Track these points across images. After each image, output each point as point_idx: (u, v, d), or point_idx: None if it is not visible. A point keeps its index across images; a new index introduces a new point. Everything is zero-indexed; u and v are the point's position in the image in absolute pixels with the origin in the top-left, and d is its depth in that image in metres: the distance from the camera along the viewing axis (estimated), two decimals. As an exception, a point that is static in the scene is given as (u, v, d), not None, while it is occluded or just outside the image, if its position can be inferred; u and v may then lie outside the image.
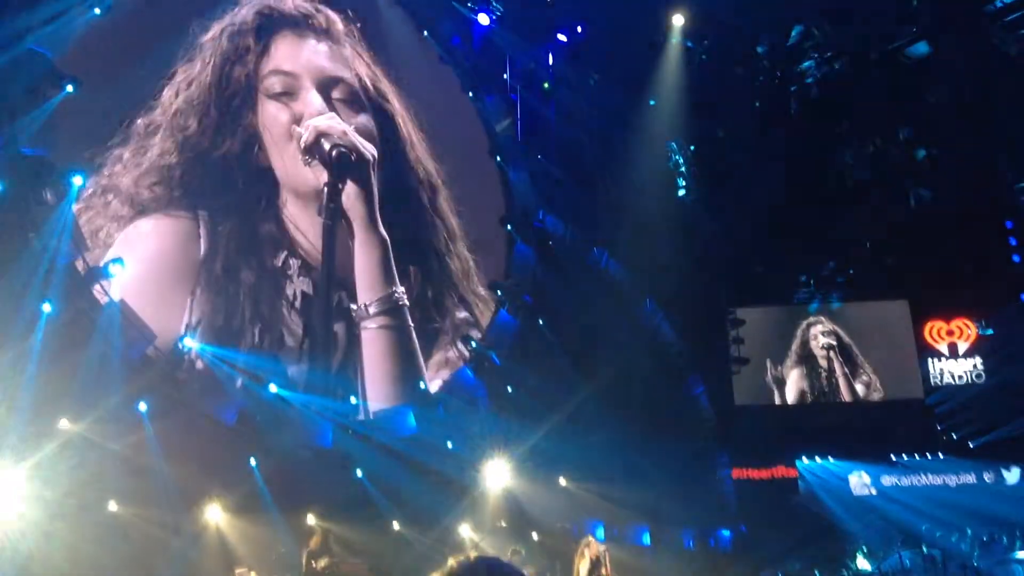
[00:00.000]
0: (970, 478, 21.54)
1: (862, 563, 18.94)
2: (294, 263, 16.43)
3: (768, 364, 23.23)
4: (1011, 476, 21.22)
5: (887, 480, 22.00)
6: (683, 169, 22.84)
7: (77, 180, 13.80)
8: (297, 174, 16.49)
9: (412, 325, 17.11)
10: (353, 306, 16.68)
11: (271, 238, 16.29)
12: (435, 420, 17.23)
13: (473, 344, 18.24)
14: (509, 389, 18.99)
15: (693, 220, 22.33)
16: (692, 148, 22.65)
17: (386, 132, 17.99)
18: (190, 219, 15.54)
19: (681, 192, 23.10)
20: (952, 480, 21.68)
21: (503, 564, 2.38)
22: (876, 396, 22.75)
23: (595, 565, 13.32)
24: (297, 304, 16.21)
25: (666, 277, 21.48)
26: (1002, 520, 19.04)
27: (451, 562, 2.37)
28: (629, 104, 21.51)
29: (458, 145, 19.33)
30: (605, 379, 18.75)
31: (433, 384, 17.58)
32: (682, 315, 22.16)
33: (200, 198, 15.65)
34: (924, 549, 18.73)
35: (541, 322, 19.85)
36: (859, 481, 22.06)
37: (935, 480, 21.84)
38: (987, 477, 21.43)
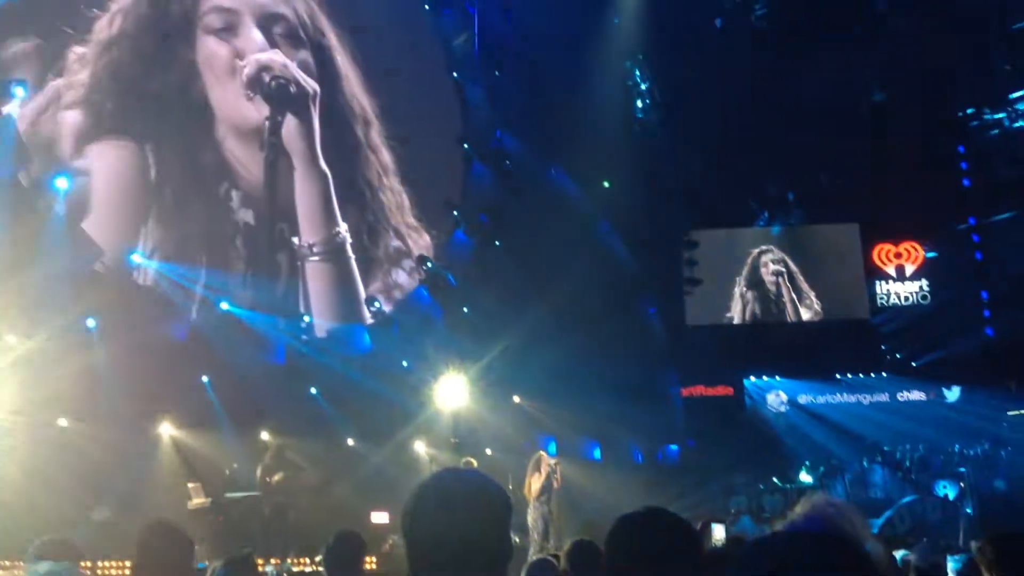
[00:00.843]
0: (912, 396, 22.09)
1: (805, 477, 19.42)
2: (236, 195, 16.27)
3: (720, 286, 23.42)
4: (951, 395, 21.79)
5: (832, 398, 22.48)
6: (642, 89, 22.61)
7: (19, 92, 13.41)
8: (238, 110, 16.38)
9: (353, 256, 17.12)
10: (295, 240, 16.61)
11: (213, 170, 16.15)
12: (390, 339, 17.29)
13: (429, 264, 18.21)
14: (465, 309, 19.05)
15: (650, 141, 22.19)
16: (651, 68, 22.38)
17: (325, 68, 17.75)
18: (137, 147, 15.30)
19: (639, 113, 22.91)
20: (895, 398, 22.22)
21: None
22: (819, 319, 23.14)
23: (547, 478, 13.64)
24: (241, 234, 16.09)
25: (622, 198, 21.42)
26: (941, 437, 19.60)
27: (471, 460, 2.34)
28: (589, 22, 21.14)
29: (413, 62, 18.96)
30: (560, 299, 18.79)
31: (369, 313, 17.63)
32: (637, 236, 22.17)
33: (142, 129, 15.42)
34: (864, 464, 19.26)
35: (497, 243, 19.79)
36: (776, 399, 22.58)
37: (879, 398, 22.37)
38: (928, 395, 21.96)
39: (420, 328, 17.90)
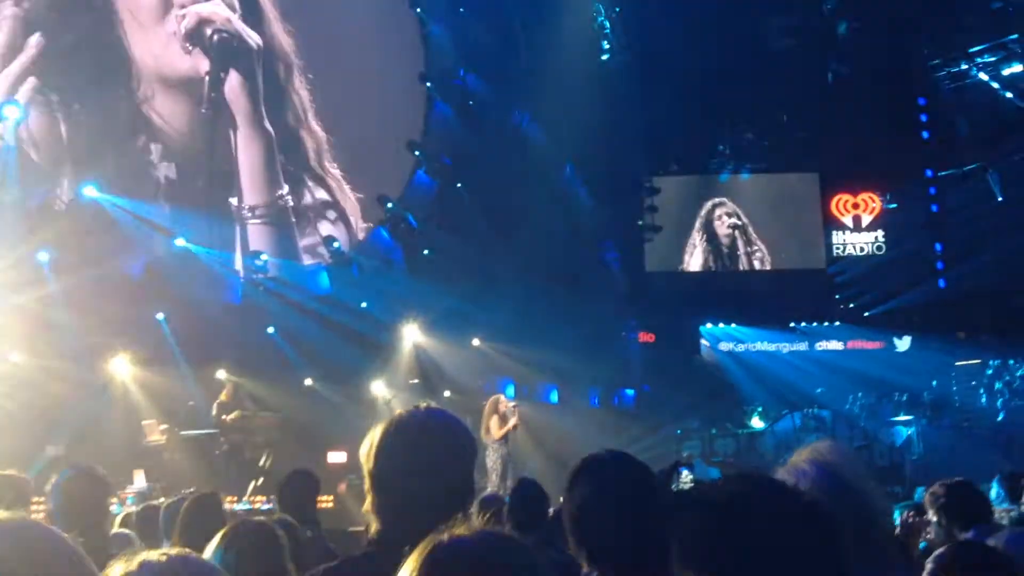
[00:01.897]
0: (863, 345, 22.46)
1: (756, 423, 19.73)
2: (155, 148, 15.75)
3: (679, 234, 23.53)
4: (902, 344, 22.20)
5: (786, 345, 22.82)
6: (607, 31, 22.35)
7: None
8: (166, 60, 15.68)
9: (294, 220, 16.83)
10: (233, 201, 16.23)
11: (127, 122, 15.51)
12: (349, 280, 17.18)
13: (389, 205, 18.03)
14: (426, 251, 18.96)
15: (615, 85, 22.01)
16: (617, 10, 22.10)
17: (244, 6, 17.06)
18: (44, 102, 14.68)
19: (604, 56, 22.67)
20: (847, 346, 22.58)
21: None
22: (772, 268, 23.40)
23: (504, 420, 13.72)
24: (162, 189, 15.68)
25: (586, 142, 21.32)
26: (890, 385, 20.02)
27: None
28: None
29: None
30: (522, 243, 18.79)
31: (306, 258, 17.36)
32: (599, 181, 22.12)
33: (51, 78, 14.73)
34: (815, 410, 19.61)
35: (460, 185, 19.63)
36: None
37: (831, 346, 22.73)
38: (879, 344, 22.34)
39: (380, 270, 17.80)
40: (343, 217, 18.43)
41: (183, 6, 15.79)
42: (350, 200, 18.53)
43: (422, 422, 2.23)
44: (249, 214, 16.58)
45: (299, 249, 17.53)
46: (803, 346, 22.66)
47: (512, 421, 13.72)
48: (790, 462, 2.30)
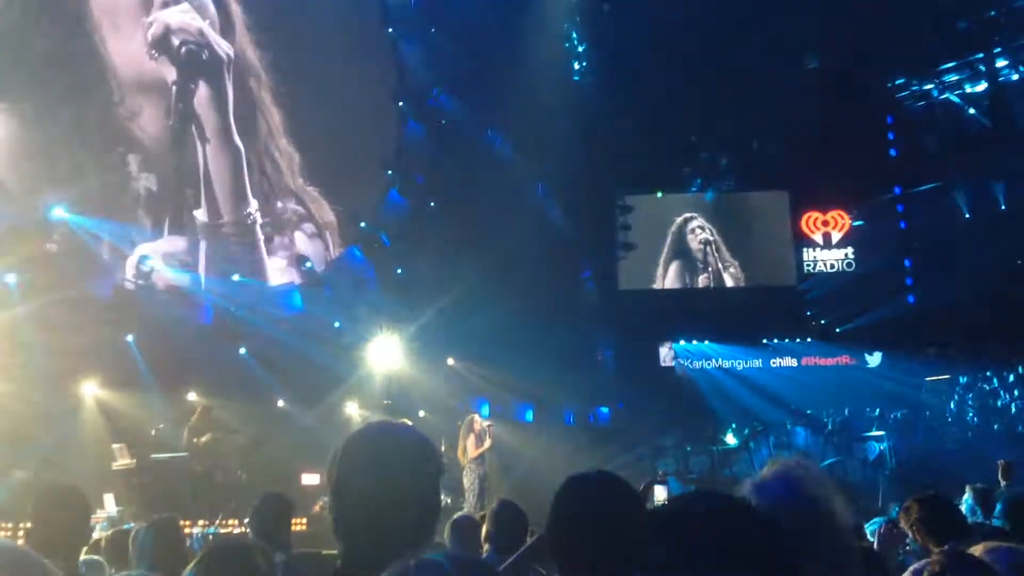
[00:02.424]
0: (835, 361, 22.60)
1: (730, 439, 19.80)
2: (133, 159, 15.57)
3: (652, 251, 23.62)
4: (873, 360, 22.34)
5: (758, 362, 22.89)
6: (579, 51, 22.50)
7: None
8: (141, 65, 15.43)
9: (262, 237, 16.70)
10: (200, 216, 16.03)
11: (105, 131, 15.28)
12: (321, 299, 17.08)
13: (363, 225, 17.97)
14: (399, 270, 18.91)
15: (587, 104, 22.15)
16: (588, 30, 22.27)
17: (220, 16, 16.96)
18: (17, 111, 14.46)
19: (576, 76, 22.82)
20: (819, 362, 22.70)
21: None
22: (744, 284, 23.51)
23: (480, 440, 13.70)
24: (142, 202, 15.50)
25: (559, 161, 21.39)
26: (862, 401, 20.13)
27: None
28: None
29: (348, 15, 18.52)
30: (495, 262, 18.82)
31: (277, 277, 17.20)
32: (573, 199, 22.20)
33: (27, 87, 14.48)
34: (788, 426, 19.69)
35: (432, 204, 19.60)
36: (668, 352, 23.00)
37: (803, 362, 22.83)
38: (850, 360, 22.48)
39: (353, 289, 17.72)
40: (320, 234, 18.33)
41: (156, 9, 15.58)
42: (327, 218, 18.45)
43: (383, 437, 2.20)
44: (217, 230, 16.41)
45: (266, 267, 17.35)
46: (776, 362, 22.74)
47: (487, 441, 13.72)
48: (757, 478, 2.32)
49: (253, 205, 16.82)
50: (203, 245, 16.49)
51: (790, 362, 22.74)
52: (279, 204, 17.87)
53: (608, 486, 2.52)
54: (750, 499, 2.04)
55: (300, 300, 17.04)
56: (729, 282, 23.52)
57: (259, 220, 16.89)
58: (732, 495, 1.82)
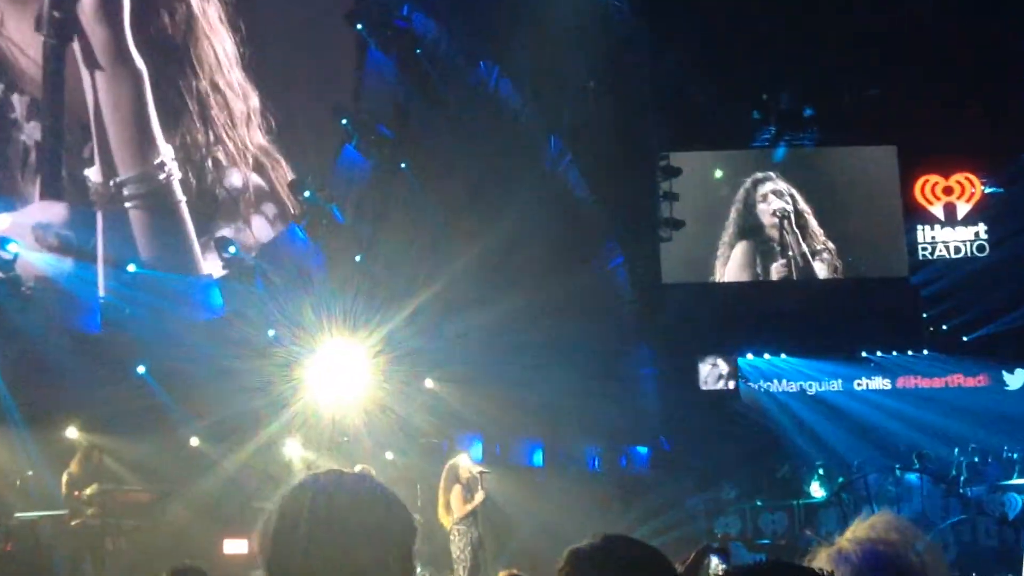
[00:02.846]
0: (961, 381, 22.55)
1: (816, 490, 19.77)
2: (19, 101, 15.52)
3: (706, 230, 23.60)
4: (1013, 380, 22.31)
5: (856, 384, 22.86)
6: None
7: None
8: None
9: (183, 200, 16.66)
10: (90, 174, 15.98)
11: None
12: (250, 298, 17.08)
13: (307, 195, 17.95)
14: (357, 258, 18.93)
15: (618, 29, 22.11)
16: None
17: None
18: None
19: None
20: (939, 384, 22.66)
21: None
22: (841, 276, 23.43)
23: (468, 492, 13.65)
24: (32, 159, 15.48)
25: (579, 107, 21.37)
26: (999, 437, 20.07)
27: None
28: None
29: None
30: (492, 246, 18.87)
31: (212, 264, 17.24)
32: (599, 160, 22.18)
33: None
34: (897, 472, 19.65)
35: (403, 165, 19.61)
36: (712, 371, 22.98)
37: (917, 383, 22.80)
38: (982, 380, 22.41)
39: (294, 283, 17.73)
40: (283, 216, 18.38)
41: None
42: (275, 186, 18.47)
43: (333, 496, 2.25)
44: (114, 192, 16.36)
45: (194, 249, 17.32)
46: (880, 383, 22.72)
47: (479, 494, 13.71)
48: (836, 544, 2.49)
49: (166, 152, 16.71)
50: (98, 219, 16.44)
51: (901, 383, 22.70)
52: (235, 174, 17.83)
53: (624, 559, 2.58)
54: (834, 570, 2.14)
55: (220, 298, 17.02)
56: (821, 272, 23.43)
57: (175, 176, 16.82)
58: (808, 569, 1.92)
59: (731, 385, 23.14)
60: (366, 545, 2.18)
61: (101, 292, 16.36)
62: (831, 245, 23.60)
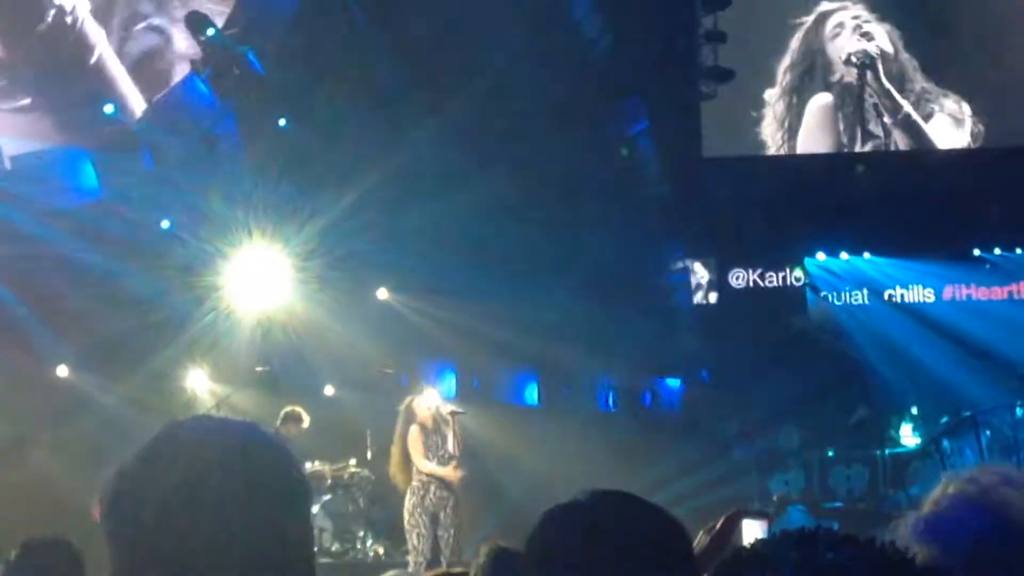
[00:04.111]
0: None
1: (907, 436, 20.05)
2: None
3: (763, 85, 23.54)
4: None
5: (966, 292, 22.88)
6: None
7: None
8: None
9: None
10: None
11: None
12: (135, 176, 17.09)
13: (210, 33, 17.90)
14: (282, 121, 18.90)
15: None
16: None
17: None
18: None
19: None
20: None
21: None
22: (955, 141, 23.36)
23: (434, 433, 13.81)
24: None
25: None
26: None
27: None
28: None
29: None
30: (466, 106, 18.91)
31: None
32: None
33: None
34: (1019, 411, 19.76)
35: (347, -7, 19.60)
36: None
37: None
38: None
39: (195, 156, 17.73)
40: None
41: None
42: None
43: (200, 446, 2.25)
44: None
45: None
46: (997, 292, 22.76)
47: (450, 441, 13.87)
48: (928, 501, 2.41)
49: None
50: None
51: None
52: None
53: (612, 528, 2.57)
54: (914, 546, 2.05)
55: (95, 176, 17.03)
56: (927, 131, 23.38)
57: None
58: (878, 542, 1.77)
59: (711, 299, 23.31)
60: (242, 509, 2.19)
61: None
62: (945, 97, 23.42)
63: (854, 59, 23.50)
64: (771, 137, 23.77)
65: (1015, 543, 2.17)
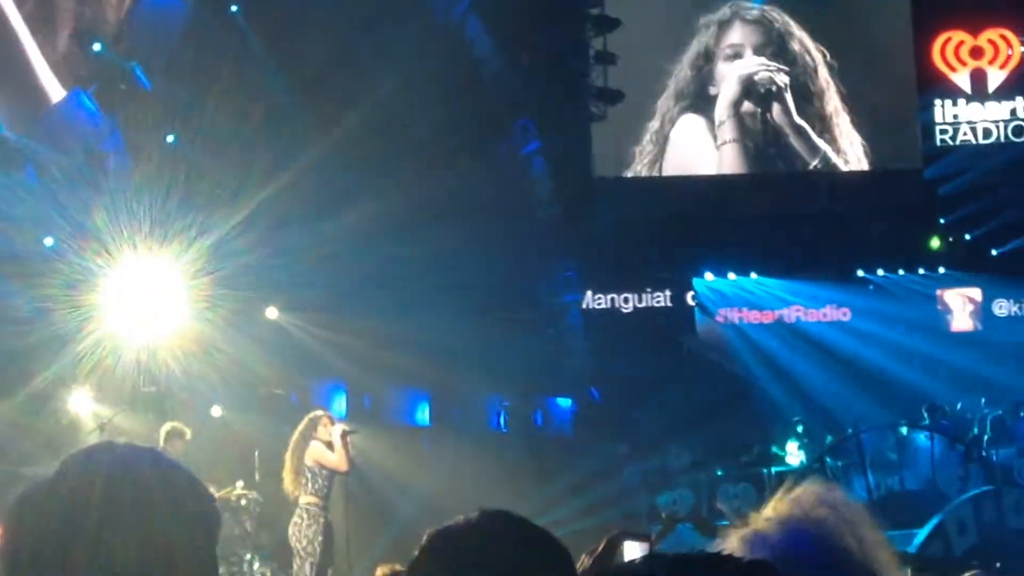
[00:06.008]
0: (993, 309, 22.82)
1: (793, 453, 20.14)
2: None
3: (658, 104, 23.56)
4: (1056, 306, 22.68)
5: (848, 313, 23.01)
6: None
7: None
8: None
9: None
10: None
11: None
12: (17, 193, 16.68)
13: (97, 48, 17.53)
14: (170, 138, 18.62)
15: None
16: None
17: None
18: None
19: None
20: (959, 312, 22.91)
21: None
22: (840, 165, 23.52)
23: (332, 458, 13.47)
24: None
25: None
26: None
27: None
28: None
29: None
30: (358, 124, 18.85)
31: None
32: (508, 6, 22.10)
33: None
34: (901, 431, 19.85)
35: (235, 8, 19.51)
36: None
37: (930, 312, 23.02)
38: (1013, 309, 22.70)
39: (79, 173, 17.36)
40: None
41: None
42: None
43: (101, 477, 2.29)
44: None
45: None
46: (881, 312, 22.89)
47: (340, 459, 13.54)
48: (751, 523, 2.57)
49: None
50: None
51: (909, 311, 22.88)
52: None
53: (498, 548, 2.46)
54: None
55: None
56: (812, 154, 23.53)
57: None
58: (718, 556, 1.93)
59: (602, 319, 23.26)
60: (143, 541, 2.25)
61: None
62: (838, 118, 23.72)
63: (746, 82, 23.70)
64: (659, 158, 23.87)
65: (828, 555, 2.39)
